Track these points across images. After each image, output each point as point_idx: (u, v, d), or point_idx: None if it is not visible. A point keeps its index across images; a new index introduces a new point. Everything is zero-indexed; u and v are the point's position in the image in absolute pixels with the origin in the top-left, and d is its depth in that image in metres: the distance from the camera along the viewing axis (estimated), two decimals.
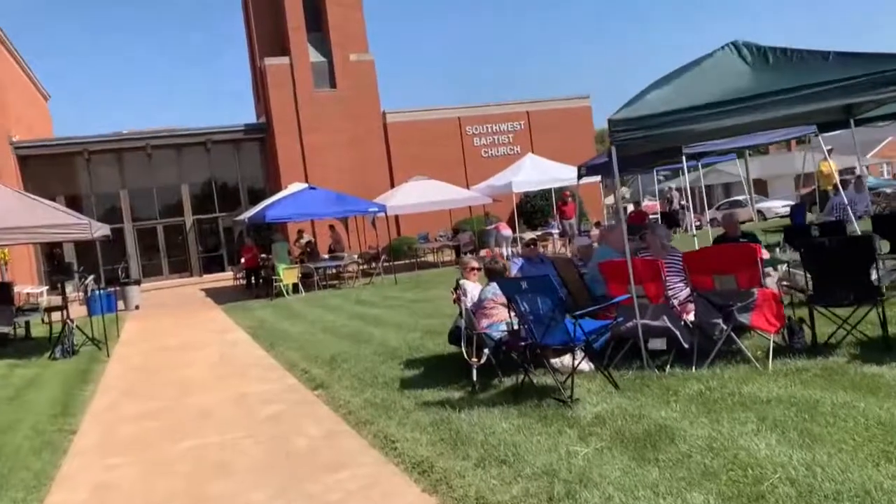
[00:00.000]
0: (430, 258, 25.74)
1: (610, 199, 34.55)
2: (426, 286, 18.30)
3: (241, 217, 24.22)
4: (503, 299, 6.58)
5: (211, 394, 8.24)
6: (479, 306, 6.70)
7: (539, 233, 24.39)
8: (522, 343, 6.23)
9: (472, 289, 7.35)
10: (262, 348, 11.12)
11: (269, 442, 5.97)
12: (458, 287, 7.38)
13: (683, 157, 11.53)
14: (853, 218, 12.62)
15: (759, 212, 36.31)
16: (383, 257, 21.89)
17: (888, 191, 30.43)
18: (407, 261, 25.35)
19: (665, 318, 6.11)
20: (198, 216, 31.15)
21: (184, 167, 30.82)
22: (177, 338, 13.64)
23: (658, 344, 6.16)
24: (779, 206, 36.91)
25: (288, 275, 19.09)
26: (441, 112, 32.59)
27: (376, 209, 19.96)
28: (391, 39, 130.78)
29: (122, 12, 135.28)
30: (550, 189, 27.98)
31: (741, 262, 5.91)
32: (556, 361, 6.37)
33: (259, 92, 32.65)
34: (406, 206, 22.21)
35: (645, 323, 6.14)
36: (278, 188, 27.46)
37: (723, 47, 6.96)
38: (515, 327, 6.30)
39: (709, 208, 36.63)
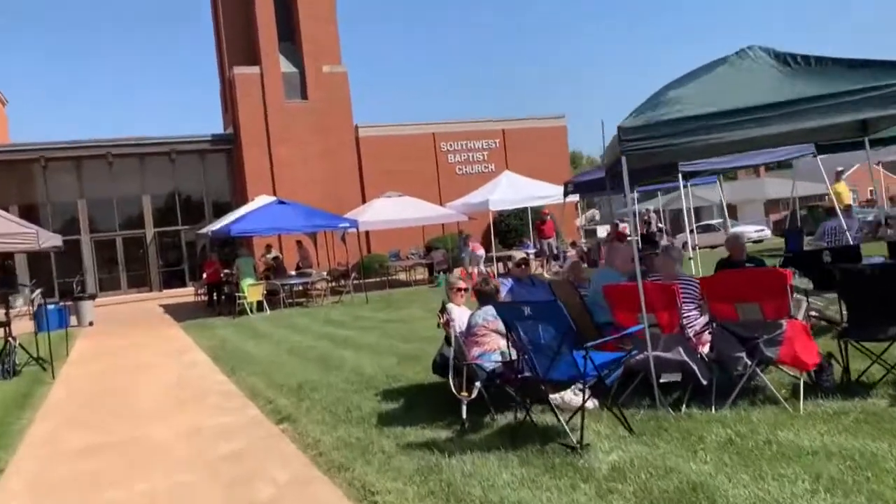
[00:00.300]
0: (401, 276, 24.95)
1: (581, 220, 34.06)
2: (398, 306, 17.50)
3: (205, 230, 23.21)
4: (496, 325, 5.85)
5: (163, 425, 7.34)
6: (469, 333, 5.95)
7: (516, 253, 23.74)
8: (519, 376, 5.50)
9: (460, 313, 6.60)
10: (222, 372, 10.21)
11: (227, 489, 5.12)
12: (443, 310, 6.62)
13: (680, 176, 10.94)
14: (852, 243, 12.13)
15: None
16: (353, 275, 21.04)
17: (870, 218, 30.49)
18: (378, 279, 24.50)
19: (680, 349, 5.42)
20: (159, 229, 30.00)
21: (146, 177, 29.69)
22: (130, 358, 12.63)
23: (672, 377, 5.46)
24: (751, 230, 36.93)
25: (252, 292, 18.14)
26: (415, 127, 31.96)
27: (347, 224, 19.14)
28: (365, 51, 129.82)
29: (90, 16, 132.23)
30: (526, 208, 27.46)
31: (768, 290, 5.25)
32: (554, 397, 5.63)
33: (227, 102, 31.71)
34: (378, 222, 21.42)
35: (658, 355, 5.44)
36: (244, 201, 26.47)
37: (737, 52, 6.36)
38: (512, 357, 5.57)
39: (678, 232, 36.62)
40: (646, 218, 26.57)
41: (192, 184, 30.26)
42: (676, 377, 5.49)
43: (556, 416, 5.17)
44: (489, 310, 5.98)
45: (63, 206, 28.94)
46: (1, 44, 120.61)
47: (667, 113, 5.62)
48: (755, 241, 35.77)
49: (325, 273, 22.43)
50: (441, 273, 23.07)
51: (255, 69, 29.32)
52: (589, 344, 4.69)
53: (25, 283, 24.72)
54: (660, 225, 27.57)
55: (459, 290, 6.86)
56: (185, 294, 26.31)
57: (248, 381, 9.09)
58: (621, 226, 22.40)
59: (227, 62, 30.84)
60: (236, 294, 18.27)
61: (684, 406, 5.38)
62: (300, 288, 21.21)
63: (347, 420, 6.45)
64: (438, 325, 6.66)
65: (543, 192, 23.03)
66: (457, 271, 24.00)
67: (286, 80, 29.75)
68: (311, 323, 15.47)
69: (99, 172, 28.93)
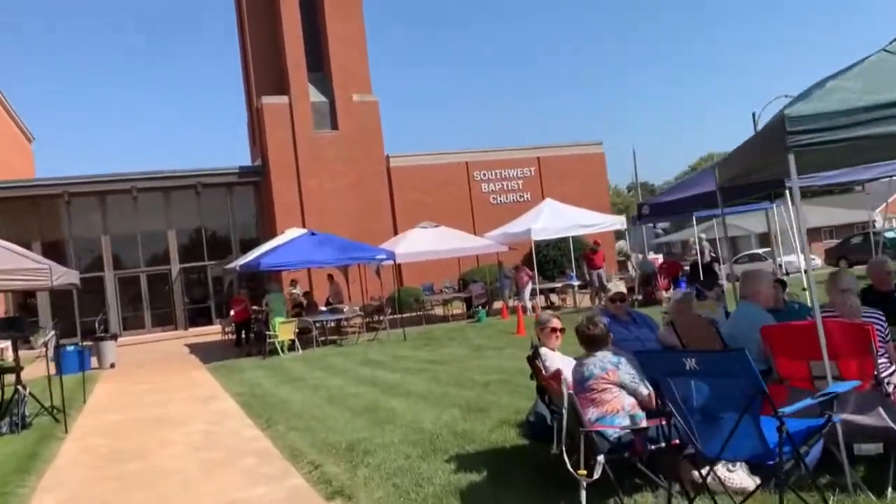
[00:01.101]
0: (437, 311, 23.60)
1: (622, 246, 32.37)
2: (439, 343, 16.14)
3: (233, 265, 22.10)
4: (618, 376, 4.50)
5: (188, 498, 6.03)
6: (583, 388, 4.59)
7: (559, 284, 22.32)
8: (653, 447, 4.13)
9: (557, 361, 5.26)
10: (255, 425, 8.89)
11: None
12: (536, 356, 5.27)
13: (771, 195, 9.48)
14: None
15: (781, 266, 34.32)
16: (388, 310, 19.75)
17: None
18: (412, 314, 23.16)
19: (881, 411, 4.02)
20: (185, 264, 29.03)
21: (171, 212, 28.82)
22: (153, 407, 11.36)
23: (871, 449, 4.05)
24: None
25: (284, 330, 16.89)
26: (447, 157, 30.89)
27: (384, 256, 17.90)
28: (396, 81, 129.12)
29: (116, 46, 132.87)
30: (565, 238, 26.09)
31: None
32: (695, 474, 4.25)
33: (255, 133, 30.89)
34: (414, 253, 20.16)
35: (850, 419, 4.04)
36: (273, 235, 25.41)
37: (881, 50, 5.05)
38: (640, 423, 4.19)
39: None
40: (701, 247, 24.93)
41: (218, 218, 29.33)
42: (876, 449, 4.07)
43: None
44: (607, 357, 4.63)
45: (86, 242, 28.11)
46: (27, 77, 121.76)
47: (839, 101, 4.30)
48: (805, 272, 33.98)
49: (357, 308, 21.18)
50: (481, 307, 21.72)
51: (284, 99, 28.51)
52: (785, 409, 3.30)
53: (47, 322, 23.76)
54: (712, 254, 26.01)
55: (554, 330, 5.53)
56: (212, 332, 25.16)
57: (287, 438, 7.76)
58: (652, 257, 20.87)
59: (255, 92, 30.08)
60: (266, 332, 17.03)
61: (890, 489, 3.96)
62: (332, 325, 19.95)
63: (418, 499, 5.08)
64: (532, 377, 5.31)
65: (589, 220, 21.70)
66: (498, 304, 22.57)
67: (315, 110, 28.88)
68: (349, 364, 14.15)
69: (123, 207, 28.12)
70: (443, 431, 6.96)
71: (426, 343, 16.51)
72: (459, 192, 30.37)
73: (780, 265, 34.92)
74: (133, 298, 28.81)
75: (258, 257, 18.07)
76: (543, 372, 4.74)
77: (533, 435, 5.01)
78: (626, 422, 4.39)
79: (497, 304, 22.93)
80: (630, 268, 21.80)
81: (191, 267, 29.25)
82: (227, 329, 21.66)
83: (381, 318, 19.51)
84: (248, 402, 10.69)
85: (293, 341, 17.14)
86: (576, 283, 22.80)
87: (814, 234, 59.39)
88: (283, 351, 16.80)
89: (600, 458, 4.20)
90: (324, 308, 21.75)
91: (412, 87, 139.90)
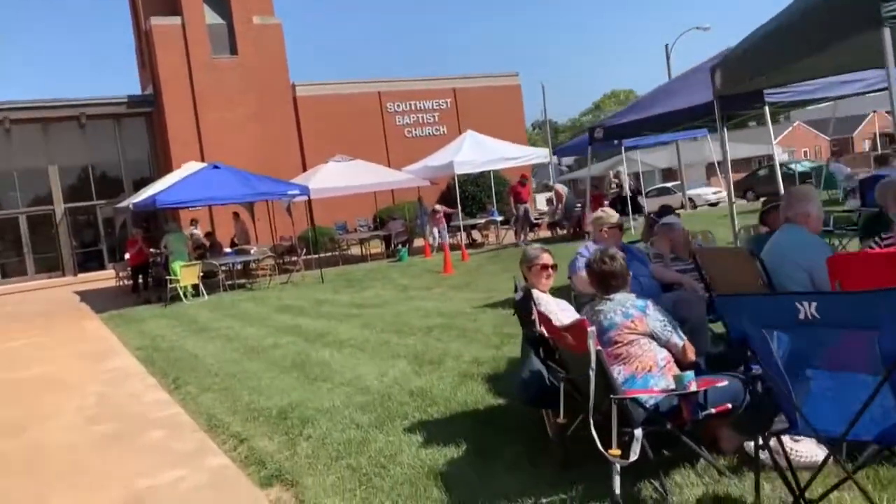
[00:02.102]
0: (354, 251, 22.30)
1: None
2: (362, 285, 14.96)
3: (125, 204, 19.99)
4: (645, 324, 3.49)
5: (81, 487, 4.74)
6: (602, 342, 3.53)
7: (482, 220, 21.41)
8: (703, 413, 3.19)
9: (553, 306, 4.22)
10: (161, 387, 7.54)
11: None
12: (528, 300, 4.20)
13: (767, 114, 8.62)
14: None
15: (690, 199, 34.70)
16: (302, 251, 18.33)
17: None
18: (325, 254, 21.75)
19: None
20: (71, 204, 26.35)
21: (53, 146, 25.91)
22: (34, 366, 9.74)
23: None
24: (709, 192, 35.61)
25: (186, 274, 15.24)
26: (359, 86, 29.11)
27: (297, 192, 16.36)
28: (300, 1, 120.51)
29: None
30: (486, 173, 25.18)
31: None
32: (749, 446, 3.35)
33: (145, 59, 28.03)
34: (330, 189, 18.70)
35: None
36: (168, 171, 23.21)
37: None
38: (690, 386, 3.21)
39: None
40: (617, 180, 24.57)
41: (106, 153, 26.63)
42: None
43: (793, 478, 2.84)
44: (629, 300, 3.60)
45: None
46: None
47: None
48: (712, 204, 34.51)
49: (267, 249, 19.65)
50: (401, 246, 20.57)
51: (176, 20, 25.82)
52: None
53: None
54: (632, 187, 25.69)
55: (546, 268, 4.45)
56: (105, 278, 22.97)
57: (202, 403, 6.48)
58: (557, 188, 20.26)
59: (143, 12, 27.13)
60: (166, 277, 15.35)
61: None
62: (239, 268, 18.37)
63: (385, 486, 3.98)
64: (525, 324, 4.24)
65: (513, 153, 20.76)
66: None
67: (212, 33, 26.35)
68: (263, 310, 12.79)
69: None
70: (394, 390, 5.85)
71: (347, 285, 15.29)
72: (372, 125, 28.75)
73: (689, 198, 35.39)
74: (11, 243, 26.03)
75: (154, 194, 16.17)
76: (552, 322, 3.66)
77: (532, 399, 3.95)
78: (664, 382, 3.39)
79: (418, 243, 21.85)
80: (554, 202, 21.03)
81: (78, 207, 26.61)
82: (121, 274, 19.69)
83: (295, 259, 18.08)
84: (150, 357, 9.26)
85: (197, 286, 15.54)
86: (499, 218, 21.96)
87: (714, 168, 60.99)
88: (186, 297, 15.21)
89: (637, 432, 3.20)
90: (229, 249, 20.08)
91: (318, 9, 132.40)
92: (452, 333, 8.01)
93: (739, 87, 5.39)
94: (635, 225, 18.90)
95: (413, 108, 29.78)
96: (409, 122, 29.80)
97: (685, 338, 3.53)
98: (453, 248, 20.32)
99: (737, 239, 7.05)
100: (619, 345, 3.47)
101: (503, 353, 6.55)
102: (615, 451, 3.17)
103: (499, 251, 18.42)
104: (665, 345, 3.50)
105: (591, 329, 3.21)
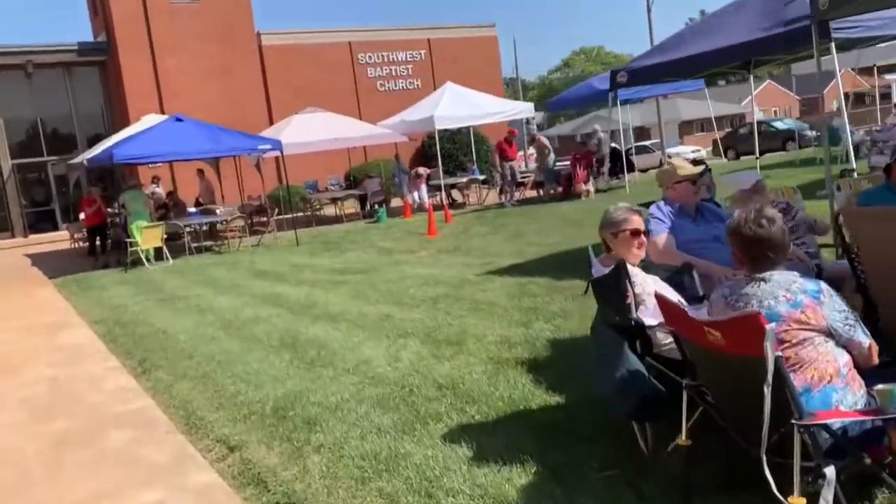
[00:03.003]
0: (327, 211, 21.08)
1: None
2: (339, 248, 13.90)
3: (79, 160, 18.48)
4: (821, 316, 2.51)
5: None
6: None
7: (463, 179, 20.32)
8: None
9: (649, 283, 3.23)
10: (126, 369, 6.44)
11: None
12: (620, 273, 3.19)
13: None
14: None
15: (669, 157, 33.90)
16: (275, 210, 17.11)
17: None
18: (296, 215, 20.49)
19: None
20: (19, 160, 24.54)
21: None
22: None
23: None
24: (687, 151, 34.93)
25: (149, 236, 13.95)
26: (328, 35, 27.51)
27: (268, 146, 15.06)
28: None
29: None
30: (462, 130, 24.01)
31: None
32: None
33: (96, 2, 26.00)
34: (302, 143, 17.41)
35: None
36: (125, 125, 21.60)
37: None
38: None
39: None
40: (597, 138, 23.50)
41: (57, 105, 24.74)
42: None
43: None
44: (795, 283, 2.59)
45: None
46: None
47: None
48: (696, 163, 33.84)
49: (235, 209, 18.34)
50: (378, 206, 19.42)
51: None
52: None
53: None
54: (612, 144, 24.75)
55: (636, 233, 3.44)
56: (59, 239, 21.43)
57: (177, 393, 5.42)
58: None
59: None
60: (126, 240, 14.03)
61: None
62: (205, 229, 17.03)
63: None
64: (614, 307, 3.23)
65: (497, 108, 19.64)
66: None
67: None
68: (236, 276, 11.65)
69: None
70: (414, 380, 4.84)
71: (324, 248, 14.18)
72: (342, 77, 27.26)
73: (668, 156, 34.61)
74: None
75: (110, 147, 14.75)
76: (680, 308, 2.67)
77: (636, 411, 2.98)
78: (851, 397, 2.44)
79: (395, 203, 20.73)
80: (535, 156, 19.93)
81: (27, 164, 24.81)
82: (77, 236, 18.21)
83: (267, 219, 16.85)
84: (111, 332, 8.11)
85: (160, 249, 14.27)
86: (481, 177, 20.90)
87: (686, 127, 60.49)
88: (149, 261, 13.94)
89: (829, 471, 2.23)
90: (193, 209, 18.74)
91: None
92: (463, 306, 7.01)
93: (851, 8, 4.40)
94: (630, 183, 18.06)
95: (386, 59, 28.31)
96: (381, 75, 28.35)
97: (869, 335, 2.57)
98: (434, 208, 19.26)
99: (832, 195, 5.91)
100: (787, 345, 2.49)
101: (535, 333, 5.58)
102: (798, 501, 2.21)
103: (483, 212, 17.41)
104: (846, 344, 2.54)
105: (771, 327, 2.22)
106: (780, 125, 30.53)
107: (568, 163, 21.78)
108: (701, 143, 42.29)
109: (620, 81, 7.91)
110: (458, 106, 19.10)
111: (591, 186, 16.84)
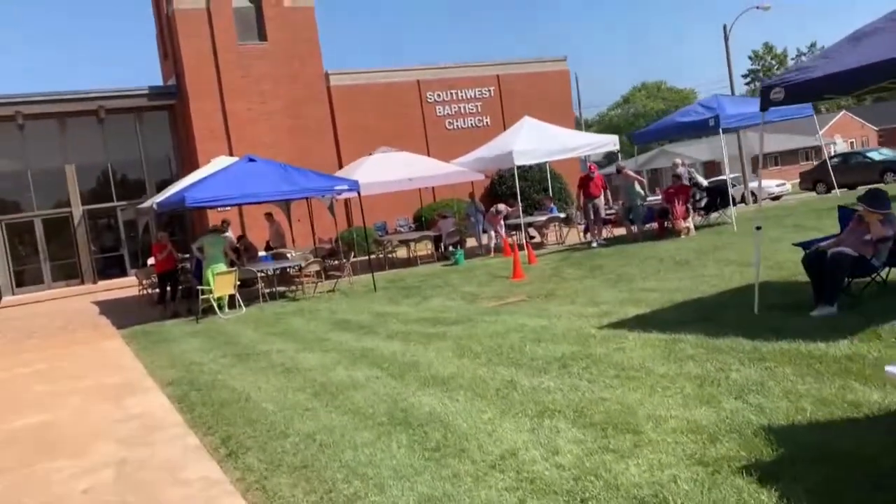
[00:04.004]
0: (400, 254, 20.13)
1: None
2: (419, 294, 12.85)
3: (148, 204, 17.98)
4: None
5: None
6: None
7: (542, 218, 19.14)
8: None
9: None
10: (208, 452, 5.39)
11: None
12: None
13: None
14: None
15: (752, 193, 32.19)
16: (352, 254, 16.21)
17: None
18: (369, 257, 19.57)
19: None
20: (89, 206, 24.43)
21: (69, 143, 24.01)
22: (35, 407, 7.64)
23: None
24: (772, 185, 33.06)
25: (222, 282, 13.13)
26: (396, 74, 26.95)
27: (345, 187, 14.19)
28: None
29: None
30: (537, 166, 22.88)
31: None
32: None
33: (167, 47, 26.02)
34: (378, 183, 16.55)
35: None
36: (194, 168, 21.20)
37: None
38: None
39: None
40: (679, 172, 22.07)
41: (127, 149, 24.64)
42: None
43: None
44: None
45: None
46: None
47: None
48: (774, 198, 32.01)
49: (308, 252, 17.55)
50: (454, 248, 18.38)
51: (201, 3, 23.76)
52: None
53: None
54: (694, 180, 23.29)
55: None
56: (127, 285, 21.01)
57: (276, 491, 4.30)
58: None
59: None
60: (198, 287, 13.23)
61: None
62: (276, 273, 16.16)
63: None
64: None
65: (579, 141, 18.50)
66: (479, 241, 19.03)
67: (239, 17, 24.28)
68: (316, 327, 10.64)
69: (7, 138, 23.13)
70: (596, 489, 3.58)
71: (404, 294, 13.13)
72: (411, 116, 26.59)
73: (752, 192, 32.95)
74: (27, 248, 24.13)
75: (181, 191, 14.10)
76: None
77: None
78: None
79: (470, 244, 19.67)
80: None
81: (97, 209, 24.67)
82: (145, 282, 17.62)
83: (340, 263, 15.93)
84: (187, 397, 7.13)
85: (233, 297, 13.44)
86: (561, 215, 19.70)
87: (756, 161, 58.25)
88: (221, 310, 13.11)
89: None
90: (263, 253, 17.99)
91: None
92: (605, 371, 5.78)
93: None
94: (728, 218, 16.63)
95: (454, 97, 27.55)
96: (450, 113, 27.57)
97: None
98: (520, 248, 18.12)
99: None
100: None
101: (732, 417, 4.30)
102: None
103: (569, 252, 16.14)
104: None
105: None
106: (875, 156, 28.50)
107: (658, 199, 20.45)
108: (779, 176, 40.21)
109: (776, 99, 6.68)
110: (537, 140, 18.03)
111: (690, 223, 15.45)
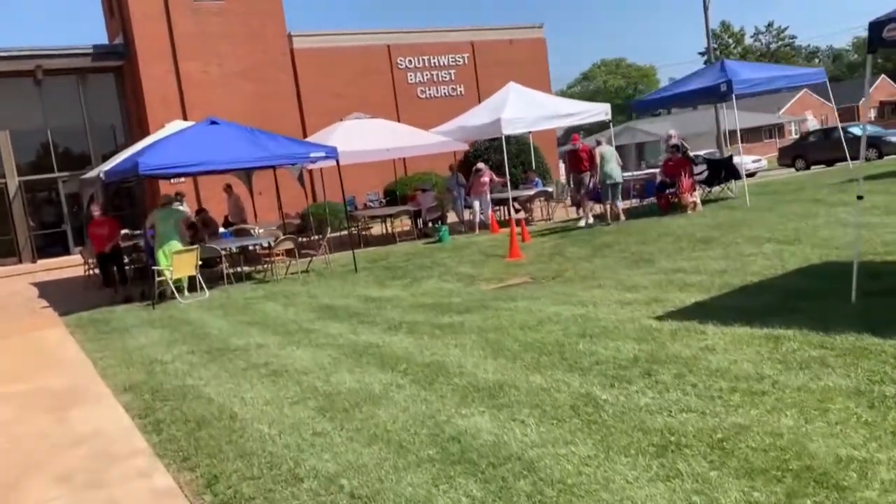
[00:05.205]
0: (375, 230, 18.56)
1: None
2: (408, 275, 11.47)
3: (94, 173, 16.05)
4: None
5: None
6: None
7: (530, 192, 17.76)
8: None
9: None
10: (185, 498, 3.89)
11: None
12: None
13: None
14: None
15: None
16: (328, 230, 14.63)
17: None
18: (341, 234, 17.98)
19: None
20: (27, 177, 22.17)
21: (3, 106, 21.65)
22: None
23: None
24: (748, 161, 32.28)
25: (181, 263, 11.44)
26: (365, 38, 25.21)
27: (322, 154, 12.54)
28: None
29: None
30: (518, 137, 21.52)
31: None
32: None
33: (111, 1, 23.70)
34: (354, 152, 14.94)
35: None
36: (144, 136, 19.19)
37: None
38: None
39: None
40: (677, 143, 20.97)
41: (69, 114, 22.36)
42: None
43: None
44: None
45: None
46: None
47: None
48: (750, 174, 31.27)
49: (275, 229, 15.89)
50: (436, 223, 16.93)
51: None
52: None
53: None
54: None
55: None
56: (70, 264, 18.98)
57: None
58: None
59: None
60: (153, 268, 11.51)
61: None
62: (235, 251, 14.38)
63: None
64: None
65: (571, 109, 17.17)
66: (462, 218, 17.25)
67: None
68: (299, 314, 9.13)
69: None
70: None
71: (390, 275, 11.69)
72: (381, 83, 24.88)
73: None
74: None
75: (133, 156, 12.31)
76: None
77: None
78: None
79: (451, 219, 18.22)
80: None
81: (35, 180, 22.44)
82: (90, 261, 15.68)
83: (317, 239, 14.36)
84: (150, 410, 5.61)
85: (193, 279, 11.78)
86: (549, 189, 18.39)
87: (730, 137, 58.03)
88: (180, 292, 11.46)
89: None
90: (223, 230, 16.26)
91: None
92: (712, 382, 4.44)
93: None
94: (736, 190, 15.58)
95: (427, 63, 25.91)
96: (422, 80, 25.94)
97: None
98: (501, 224, 16.75)
99: None
100: None
101: None
102: None
103: (564, 231, 14.81)
104: None
105: None
106: (857, 131, 27.90)
107: (650, 172, 19.27)
108: (754, 152, 39.62)
109: (891, 37, 5.37)
110: (525, 108, 16.64)
111: (697, 197, 14.28)
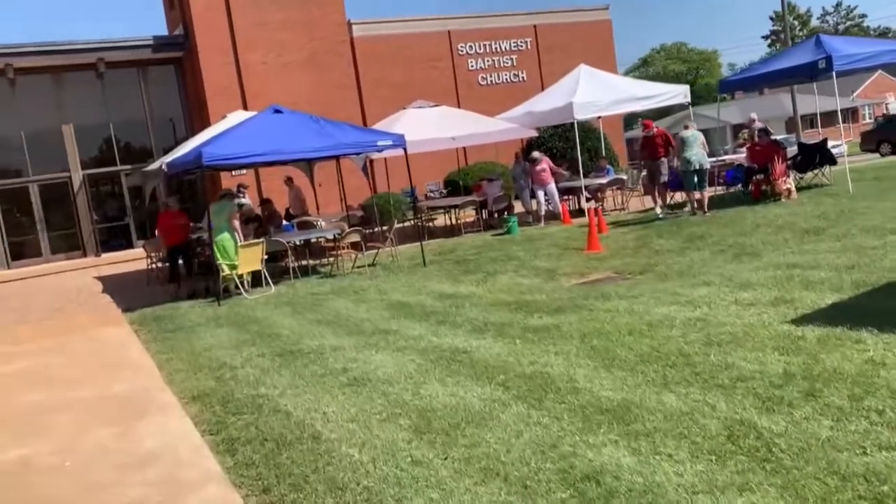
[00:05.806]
0: (438, 222, 17.89)
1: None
2: (480, 268, 10.78)
3: (156, 166, 15.79)
4: None
5: None
6: None
7: (603, 180, 16.79)
8: None
9: None
10: None
11: None
12: None
13: None
14: None
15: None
16: (395, 222, 14.03)
17: None
18: (404, 225, 17.36)
19: None
20: (90, 171, 22.16)
21: (66, 100, 21.65)
22: (14, 432, 5.53)
23: None
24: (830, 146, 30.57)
25: (246, 257, 10.96)
26: (425, 24, 24.46)
27: (390, 142, 11.88)
28: None
29: None
30: (565, 125, 20.48)
31: None
32: None
33: None
34: (423, 141, 14.27)
35: None
36: (204, 127, 18.87)
37: None
38: None
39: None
40: (760, 127, 19.70)
41: (130, 107, 22.24)
42: None
43: None
44: None
45: None
46: None
47: None
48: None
49: (337, 220, 15.36)
50: (503, 214, 16.16)
51: None
52: None
53: None
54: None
55: None
56: (134, 258, 18.80)
57: None
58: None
59: None
60: (216, 262, 11.04)
61: None
62: (304, 245, 13.91)
63: None
64: None
65: (648, 92, 16.18)
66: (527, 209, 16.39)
67: None
68: (371, 313, 8.50)
69: None
70: None
71: (461, 269, 10.99)
72: (441, 70, 24.16)
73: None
74: (24, 218, 21.93)
75: (197, 147, 11.85)
76: None
77: None
78: None
79: (517, 209, 17.42)
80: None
81: (98, 174, 22.43)
82: (153, 255, 15.36)
83: (383, 231, 13.76)
84: (222, 425, 5.03)
85: (259, 274, 11.29)
86: (623, 177, 17.44)
87: (793, 123, 55.63)
88: (244, 288, 10.98)
89: None
90: (285, 223, 15.79)
91: None
92: (894, 406, 3.61)
93: None
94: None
95: (488, 49, 25.05)
96: (483, 66, 25.09)
97: None
98: (573, 215, 15.90)
99: None
100: None
101: None
102: None
103: (644, 221, 13.87)
104: None
105: None
106: None
107: (732, 158, 18.10)
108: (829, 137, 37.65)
109: None
110: (598, 91, 15.71)
111: (791, 184, 13.22)
